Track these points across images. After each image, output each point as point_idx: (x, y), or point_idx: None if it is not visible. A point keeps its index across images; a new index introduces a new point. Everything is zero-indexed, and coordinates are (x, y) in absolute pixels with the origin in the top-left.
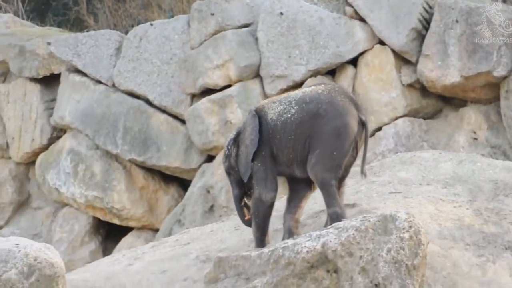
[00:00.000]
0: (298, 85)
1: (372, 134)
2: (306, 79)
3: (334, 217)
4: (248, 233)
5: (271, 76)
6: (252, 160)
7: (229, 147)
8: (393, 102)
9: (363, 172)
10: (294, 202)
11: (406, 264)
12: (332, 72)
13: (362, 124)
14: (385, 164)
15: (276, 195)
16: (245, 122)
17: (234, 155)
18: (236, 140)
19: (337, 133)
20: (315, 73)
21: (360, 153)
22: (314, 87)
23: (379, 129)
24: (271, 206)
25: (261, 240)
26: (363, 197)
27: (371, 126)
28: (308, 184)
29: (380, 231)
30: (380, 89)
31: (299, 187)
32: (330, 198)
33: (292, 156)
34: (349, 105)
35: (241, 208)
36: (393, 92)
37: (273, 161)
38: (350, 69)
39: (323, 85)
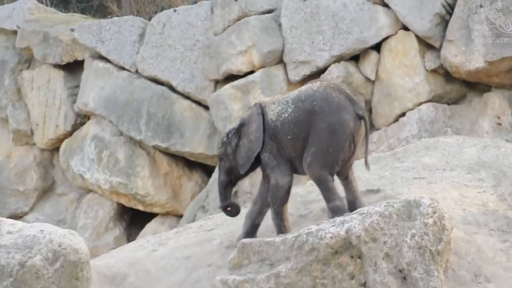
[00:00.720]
0: (322, 71)
1: (396, 120)
2: (329, 65)
3: (336, 210)
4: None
5: (294, 62)
6: (260, 154)
7: (230, 136)
8: (417, 87)
9: (366, 164)
10: (258, 207)
11: (430, 249)
12: (355, 58)
13: (360, 119)
14: (409, 149)
15: (292, 179)
16: (250, 115)
17: (234, 145)
18: (239, 131)
19: (332, 130)
20: (338, 59)
21: (362, 149)
22: (310, 85)
23: (403, 114)
24: (288, 191)
25: (281, 226)
26: (387, 182)
27: (394, 112)
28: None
29: (404, 217)
30: (403, 74)
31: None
32: (329, 193)
33: (294, 155)
34: (344, 101)
35: (224, 193)
36: (416, 77)
37: (280, 152)
38: (373, 55)
39: (318, 82)
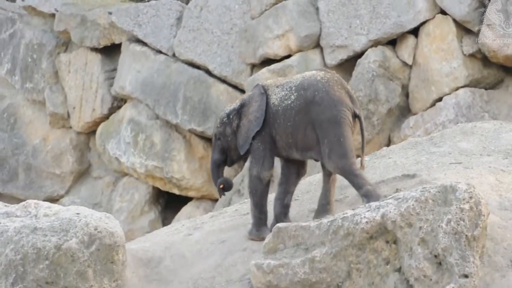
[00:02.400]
0: (359, 55)
1: (433, 105)
2: (366, 49)
3: (369, 194)
4: (308, 203)
5: (331, 46)
6: (253, 138)
7: (231, 116)
8: (454, 72)
9: (362, 164)
10: (284, 187)
11: (466, 235)
12: (393, 42)
13: (356, 117)
14: (445, 134)
15: (272, 173)
16: (251, 96)
17: (235, 125)
18: (239, 112)
19: (335, 121)
20: (375, 43)
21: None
22: (314, 73)
23: (440, 99)
24: (268, 184)
25: (259, 218)
26: (423, 167)
27: (431, 97)
28: (299, 170)
29: (440, 202)
30: (441, 59)
31: (290, 173)
32: (357, 179)
33: (291, 141)
34: (344, 97)
35: (217, 172)
36: (454, 62)
37: (272, 141)
38: (411, 39)
39: (322, 72)
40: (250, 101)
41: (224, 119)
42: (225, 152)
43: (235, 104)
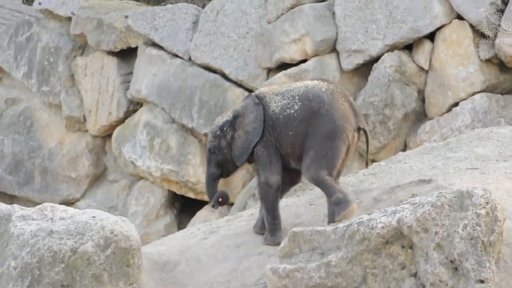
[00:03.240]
0: (375, 60)
1: (449, 110)
2: (382, 54)
3: (338, 202)
4: (323, 207)
5: (347, 50)
6: (254, 146)
7: (224, 129)
8: (471, 77)
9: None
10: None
11: (482, 240)
12: (409, 47)
13: (359, 131)
14: (462, 139)
15: (281, 178)
16: (244, 106)
17: (230, 138)
18: (233, 123)
19: (332, 136)
20: (392, 48)
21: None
22: (316, 83)
23: (456, 104)
24: (278, 189)
25: (273, 224)
26: (439, 173)
27: (447, 102)
28: (293, 179)
29: (456, 207)
30: (457, 64)
31: (284, 181)
32: (328, 188)
33: (290, 151)
34: (348, 111)
35: (213, 186)
36: (470, 67)
37: (275, 147)
38: (427, 44)
39: (326, 83)
40: (245, 111)
41: (217, 133)
42: (221, 165)
43: (227, 116)
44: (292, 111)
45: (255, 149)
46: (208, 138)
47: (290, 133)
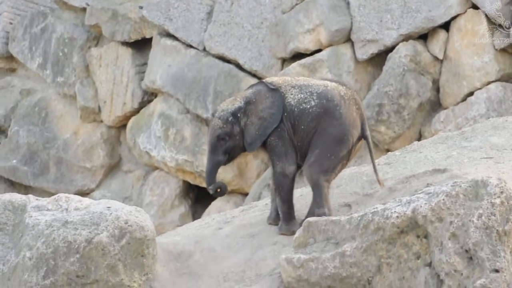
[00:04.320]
0: (389, 49)
1: (464, 99)
2: (397, 44)
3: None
4: (338, 197)
5: (362, 40)
6: (269, 135)
7: (238, 115)
8: (486, 67)
9: (378, 181)
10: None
11: (497, 230)
12: (424, 37)
13: (363, 138)
14: (476, 129)
15: (297, 168)
16: (256, 93)
17: (243, 124)
18: (246, 110)
19: (340, 139)
20: (406, 38)
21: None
22: (336, 85)
23: (471, 94)
24: (293, 179)
25: (288, 213)
26: (454, 162)
27: (462, 91)
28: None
29: (471, 197)
30: (472, 53)
31: None
32: (321, 199)
33: (300, 145)
34: (358, 119)
35: (215, 173)
36: (485, 56)
37: (289, 137)
38: (442, 34)
39: (344, 88)
40: (258, 98)
41: (229, 119)
42: (228, 152)
43: (238, 102)
44: (308, 106)
45: (269, 139)
46: (216, 125)
47: (302, 127)
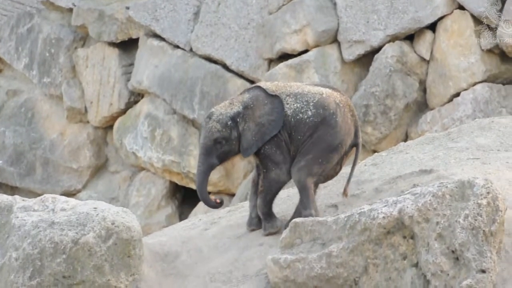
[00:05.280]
0: (376, 50)
1: (450, 100)
2: (384, 44)
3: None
4: (325, 198)
5: (349, 41)
6: (266, 143)
7: (237, 119)
8: (472, 67)
9: (345, 191)
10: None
11: (484, 230)
12: (410, 37)
13: (354, 146)
14: (463, 129)
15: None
16: (254, 98)
17: (241, 129)
18: (244, 115)
19: (334, 147)
20: (393, 38)
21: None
22: (331, 92)
23: (457, 94)
24: (283, 186)
25: (269, 213)
26: (441, 163)
27: (449, 92)
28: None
29: (457, 197)
30: (458, 54)
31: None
32: (308, 201)
33: (294, 154)
34: (352, 126)
35: (207, 179)
36: (472, 57)
37: (287, 146)
38: (428, 34)
39: (339, 94)
40: (256, 103)
41: (228, 123)
42: (223, 157)
43: (236, 106)
44: (305, 116)
45: (264, 146)
46: (214, 128)
47: (299, 137)
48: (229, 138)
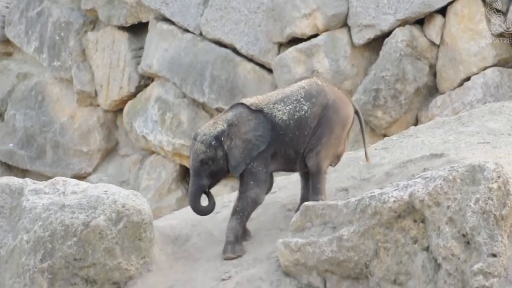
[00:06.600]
0: (386, 34)
1: (461, 84)
2: (394, 29)
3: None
4: (335, 182)
5: (358, 25)
6: (251, 161)
7: (222, 139)
8: (482, 52)
9: (367, 157)
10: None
11: (494, 214)
12: (420, 22)
13: (355, 113)
14: (473, 114)
15: None
16: (237, 115)
17: (227, 147)
18: (229, 133)
19: (343, 123)
20: (403, 23)
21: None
22: (308, 81)
23: (468, 79)
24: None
25: (237, 238)
26: (451, 147)
27: (459, 76)
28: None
29: (468, 181)
30: (469, 38)
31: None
32: (321, 186)
33: (303, 151)
34: (344, 96)
35: (199, 197)
36: (482, 42)
37: (271, 161)
38: (438, 19)
39: (315, 78)
40: (240, 120)
41: (212, 143)
42: (212, 176)
43: (220, 125)
44: (303, 112)
45: (250, 163)
46: (199, 149)
47: (306, 133)
48: (215, 158)
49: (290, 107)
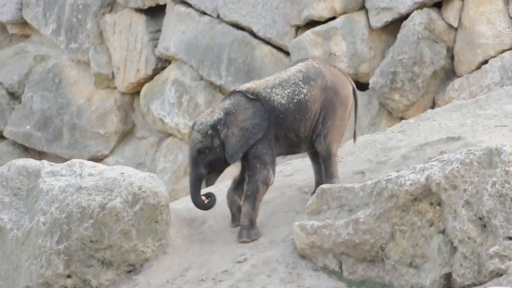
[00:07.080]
0: (404, 17)
1: (478, 67)
2: (412, 12)
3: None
4: (352, 165)
5: (376, 8)
6: (256, 143)
7: (218, 127)
8: (500, 35)
9: (354, 138)
10: (241, 184)
11: (511, 197)
12: (438, 5)
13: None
14: (491, 97)
15: None
16: (235, 103)
17: (223, 136)
18: (226, 121)
19: (345, 103)
20: (421, 5)
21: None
22: (305, 63)
23: (485, 62)
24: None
25: (254, 221)
26: (468, 130)
27: (477, 59)
28: None
29: (485, 164)
30: (487, 21)
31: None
32: (333, 169)
33: (303, 135)
34: (342, 76)
35: (199, 187)
36: (500, 24)
37: (275, 144)
38: (456, 2)
39: (310, 60)
40: (237, 108)
41: (209, 132)
42: (209, 166)
43: (216, 114)
44: (302, 96)
45: (254, 146)
46: (196, 138)
47: (306, 116)
48: (211, 147)
49: (289, 90)
